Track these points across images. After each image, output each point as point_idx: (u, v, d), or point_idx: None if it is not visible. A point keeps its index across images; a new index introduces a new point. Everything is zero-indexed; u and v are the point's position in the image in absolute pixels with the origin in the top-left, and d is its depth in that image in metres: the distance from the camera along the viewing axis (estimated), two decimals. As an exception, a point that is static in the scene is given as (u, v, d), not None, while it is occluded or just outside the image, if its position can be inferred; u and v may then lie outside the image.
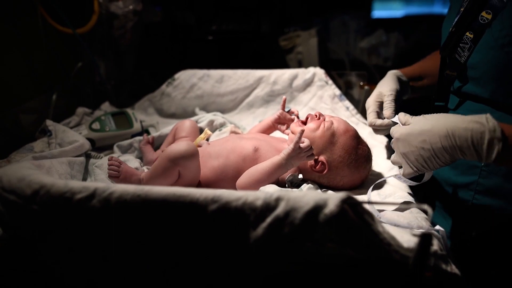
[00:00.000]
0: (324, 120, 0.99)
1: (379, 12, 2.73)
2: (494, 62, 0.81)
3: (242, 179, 0.91)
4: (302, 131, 0.88)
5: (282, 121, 1.12)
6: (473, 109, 0.88)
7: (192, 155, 0.88)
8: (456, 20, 0.89)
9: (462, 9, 0.88)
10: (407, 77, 1.09)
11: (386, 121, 0.97)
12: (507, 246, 0.87)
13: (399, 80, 1.06)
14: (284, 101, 1.11)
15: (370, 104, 1.02)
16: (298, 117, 1.06)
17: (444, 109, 0.96)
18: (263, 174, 0.89)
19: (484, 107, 0.86)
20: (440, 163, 0.74)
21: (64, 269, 0.64)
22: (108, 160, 0.94)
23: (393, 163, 0.84)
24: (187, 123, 1.14)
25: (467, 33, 0.86)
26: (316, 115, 1.00)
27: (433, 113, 0.91)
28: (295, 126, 1.00)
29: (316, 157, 0.94)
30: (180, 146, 0.88)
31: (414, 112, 0.85)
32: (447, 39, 0.90)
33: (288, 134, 1.06)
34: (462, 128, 0.69)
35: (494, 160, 0.68)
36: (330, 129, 0.96)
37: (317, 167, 0.94)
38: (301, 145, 0.88)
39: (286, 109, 1.13)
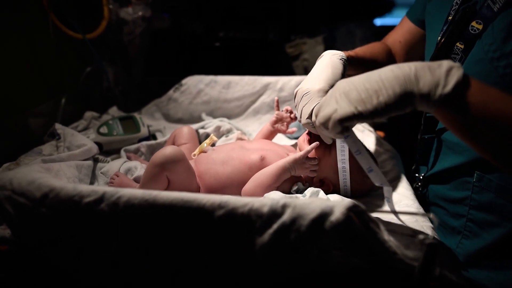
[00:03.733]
0: None
1: (383, 20, 2.72)
2: (483, 76, 0.74)
3: (247, 185, 0.92)
4: (316, 144, 0.89)
5: (280, 121, 1.13)
6: None
7: (177, 159, 0.88)
8: (444, 29, 0.85)
9: (450, 17, 0.84)
10: (358, 58, 1.00)
11: None
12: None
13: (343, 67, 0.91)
14: (277, 102, 1.13)
15: (315, 96, 0.81)
16: (291, 113, 1.11)
17: (436, 121, 0.92)
18: (267, 176, 0.90)
19: None
20: (385, 99, 0.59)
21: (72, 273, 0.65)
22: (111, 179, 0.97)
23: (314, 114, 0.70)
24: (185, 130, 1.14)
25: (458, 43, 0.81)
26: None
27: (425, 124, 0.88)
28: (303, 143, 0.98)
29: (321, 178, 0.95)
30: (165, 150, 0.89)
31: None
32: (437, 50, 0.85)
33: (286, 132, 1.14)
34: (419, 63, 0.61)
35: (451, 98, 0.58)
36: None
37: (323, 187, 0.94)
38: (309, 159, 0.90)
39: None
